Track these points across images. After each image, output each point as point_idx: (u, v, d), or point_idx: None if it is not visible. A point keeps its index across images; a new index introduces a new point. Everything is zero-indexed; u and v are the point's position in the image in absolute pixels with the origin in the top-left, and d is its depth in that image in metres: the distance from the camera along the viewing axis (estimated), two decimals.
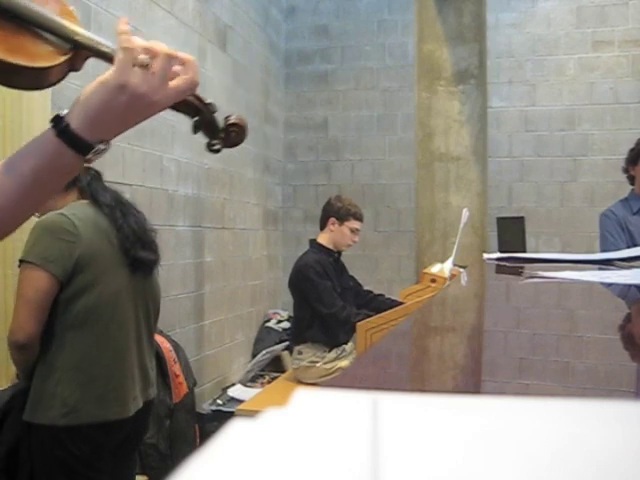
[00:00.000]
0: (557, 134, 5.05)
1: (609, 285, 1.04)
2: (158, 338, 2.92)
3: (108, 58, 0.74)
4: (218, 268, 4.21)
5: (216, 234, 4.19)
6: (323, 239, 3.51)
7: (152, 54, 0.72)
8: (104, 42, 0.75)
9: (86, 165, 0.83)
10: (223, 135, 0.82)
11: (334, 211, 3.49)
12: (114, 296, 1.74)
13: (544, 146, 5.08)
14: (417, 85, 3.87)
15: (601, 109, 4.96)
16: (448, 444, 0.19)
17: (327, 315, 3.23)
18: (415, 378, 0.48)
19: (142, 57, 0.72)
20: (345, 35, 5.44)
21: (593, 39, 4.98)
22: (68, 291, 1.67)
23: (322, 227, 3.55)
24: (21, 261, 1.67)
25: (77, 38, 0.73)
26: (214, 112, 0.82)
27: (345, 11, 5.45)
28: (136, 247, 1.80)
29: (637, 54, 4.89)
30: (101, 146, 0.74)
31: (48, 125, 0.75)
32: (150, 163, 3.38)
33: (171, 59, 0.74)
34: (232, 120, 0.82)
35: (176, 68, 0.75)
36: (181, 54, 0.76)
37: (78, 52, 0.74)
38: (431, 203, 3.77)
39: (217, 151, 0.82)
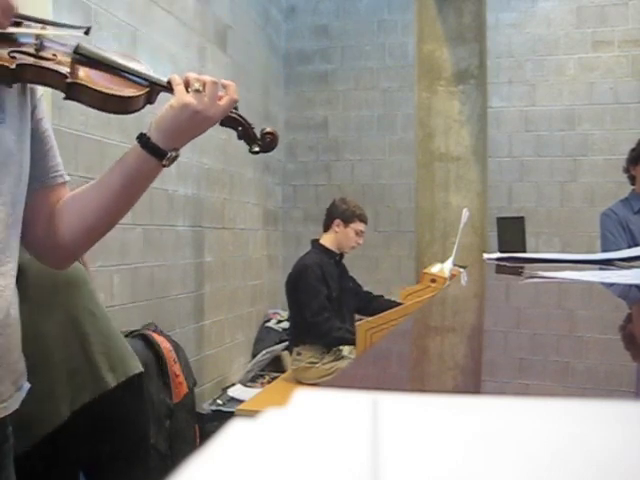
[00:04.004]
0: (557, 134, 5.05)
1: (610, 285, 1.04)
2: (158, 338, 2.93)
3: (171, 90, 1.00)
4: (218, 268, 4.21)
5: (216, 234, 4.19)
6: (326, 240, 3.49)
7: (202, 82, 0.99)
8: (165, 79, 1.02)
9: None
10: (260, 141, 1.08)
11: (339, 212, 3.47)
12: None
13: (544, 146, 5.07)
14: (417, 85, 3.87)
15: (601, 109, 4.96)
16: (448, 444, 0.19)
17: (310, 322, 3.22)
18: (415, 378, 0.48)
19: (196, 85, 0.98)
20: (345, 35, 5.43)
21: (593, 39, 4.98)
22: None
23: (326, 228, 3.53)
24: None
25: (150, 79, 1.01)
26: (252, 126, 1.08)
27: (345, 11, 5.45)
28: None
29: (637, 54, 4.89)
30: (173, 153, 1.00)
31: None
32: None
33: (217, 85, 1.00)
34: (267, 130, 1.09)
35: (220, 91, 1.01)
36: (223, 80, 1.02)
37: (152, 88, 1.01)
38: (431, 203, 3.77)
39: (256, 153, 1.09)
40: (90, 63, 0.98)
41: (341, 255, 3.53)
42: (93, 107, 1.00)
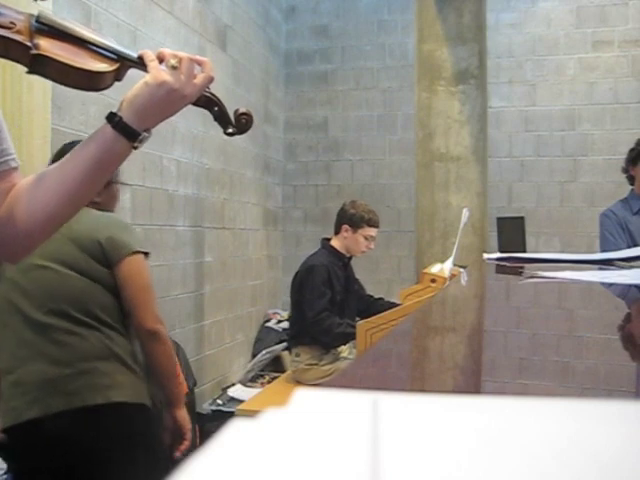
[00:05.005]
0: (557, 134, 5.05)
1: (609, 285, 1.04)
2: None
3: (143, 67, 0.94)
4: (218, 268, 4.21)
5: (216, 234, 4.19)
6: (336, 243, 3.42)
7: (178, 58, 0.93)
8: (135, 55, 0.96)
9: None
10: (235, 123, 1.04)
11: (347, 218, 3.37)
12: None
13: (544, 146, 5.07)
14: (417, 85, 3.87)
15: (601, 109, 4.96)
16: (448, 444, 0.19)
17: (311, 321, 3.19)
18: (415, 378, 0.48)
19: (172, 61, 0.93)
20: (345, 35, 5.43)
21: (593, 39, 4.98)
22: None
23: (336, 232, 3.47)
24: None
25: (119, 53, 0.93)
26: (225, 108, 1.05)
27: (345, 11, 5.45)
28: None
29: (637, 54, 4.89)
30: (145, 134, 0.93)
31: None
32: (150, 163, 3.38)
33: (193, 62, 0.95)
34: (241, 110, 1.05)
35: (196, 68, 0.96)
36: (198, 57, 0.97)
37: (122, 63, 0.94)
38: (431, 203, 3.77)
39: (231, 134, 1.05)
40: (53, 34, 0.88)
41: (349, 258, 3.48)
42: (59, 82, 0.91)
